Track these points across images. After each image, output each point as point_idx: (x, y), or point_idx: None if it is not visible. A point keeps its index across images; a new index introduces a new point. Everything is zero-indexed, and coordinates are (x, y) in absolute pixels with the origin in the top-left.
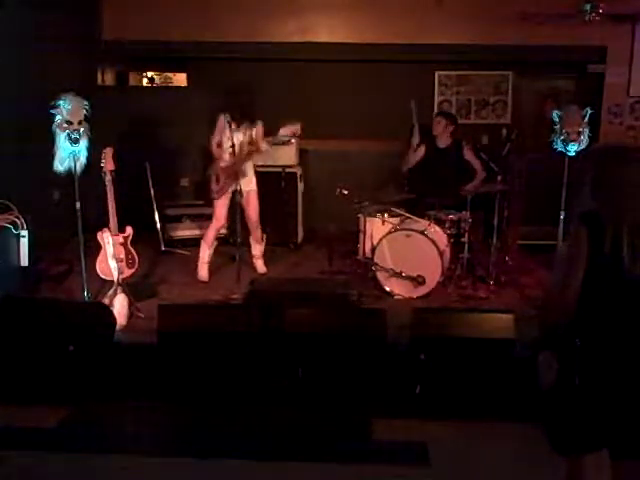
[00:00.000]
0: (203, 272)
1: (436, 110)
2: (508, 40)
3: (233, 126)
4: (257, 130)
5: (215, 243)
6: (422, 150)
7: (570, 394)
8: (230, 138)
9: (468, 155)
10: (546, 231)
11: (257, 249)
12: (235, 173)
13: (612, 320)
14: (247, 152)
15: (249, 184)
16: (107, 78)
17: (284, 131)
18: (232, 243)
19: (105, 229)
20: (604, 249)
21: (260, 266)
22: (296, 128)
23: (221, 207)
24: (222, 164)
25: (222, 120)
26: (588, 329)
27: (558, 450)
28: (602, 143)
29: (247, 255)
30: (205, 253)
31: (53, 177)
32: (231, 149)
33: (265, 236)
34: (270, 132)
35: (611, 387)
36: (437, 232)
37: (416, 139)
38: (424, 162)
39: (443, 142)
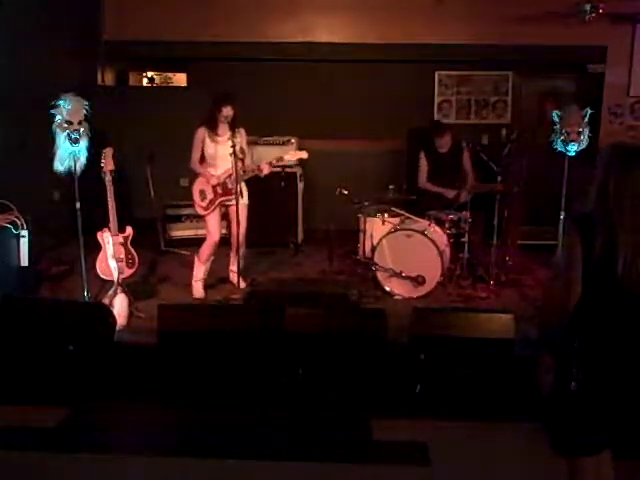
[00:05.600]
0: (197, 290)
1: (436, 110)
2: (508, 40)
3: (216, 138)
4: (242, 136)
5: (211, 259)
6: (424, 161)
7: (569, 396)
8: (214, 151)
9: (465, 159)
10: (546, 231)
11: (235, 265)
12: (224, 188)
13: (609, 322)
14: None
15: (242, 199)
16: (107, 78)
17: (290, 156)
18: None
19: (105, 229)
20: (595, 252)
21: (241, 281)
22: (303, 154)
23: (213, 222)
24: (211, 180)
25: (201, 133)
26: (586, 331)
27: (559, 451)
28: (617, 142)
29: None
30: (200, 270)
31: (53, 177)
32: (215, 162)
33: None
34: (268, 133)
35: (610, 388)
36: (437, 232)
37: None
38: (428, 169)
39: (444, 148)
